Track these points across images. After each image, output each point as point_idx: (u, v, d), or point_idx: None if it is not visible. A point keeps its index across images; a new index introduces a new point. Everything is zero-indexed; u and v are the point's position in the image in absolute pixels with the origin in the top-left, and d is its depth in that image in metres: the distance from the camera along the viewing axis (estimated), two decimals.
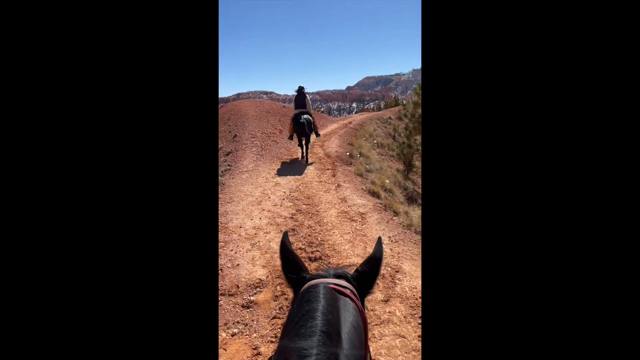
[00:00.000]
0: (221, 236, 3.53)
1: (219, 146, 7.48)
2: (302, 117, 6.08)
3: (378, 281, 2.70)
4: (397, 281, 2.64)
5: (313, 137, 7.15)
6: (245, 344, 2.14)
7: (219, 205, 4.34)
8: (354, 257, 2.97)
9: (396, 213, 4.24)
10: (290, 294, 2.61)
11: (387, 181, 5.84)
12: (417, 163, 10.02)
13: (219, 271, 2.91)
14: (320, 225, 3.71)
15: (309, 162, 6.21)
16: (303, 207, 4.20)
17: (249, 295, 2.59)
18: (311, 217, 3.91)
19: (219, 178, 5.46)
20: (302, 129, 6.05)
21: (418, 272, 2.74)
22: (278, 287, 2.65)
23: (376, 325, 2.18)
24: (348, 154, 7.02)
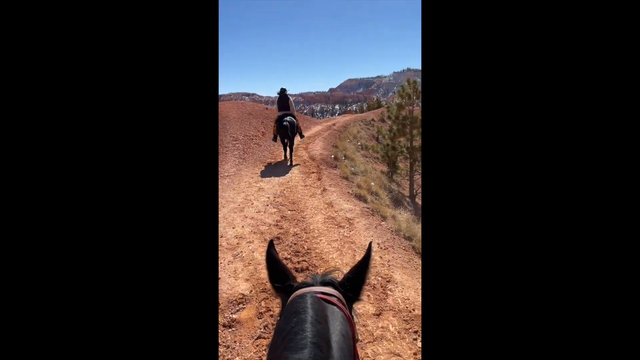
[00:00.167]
0: None
1: None
2: (285, 119, 5.97)
3: (369, 293, 2.58)
4: (388, 292, 2.51)
5: (297, 139, 7.04)
6: None
7: None
8: (343, 266, 2.83)
9: (384, 217, 4.14)
10: (276, 310, 2.44)
11: (373, 184, 5.76)
12: (401, 165, 10.06)
13: None
14: (306, 233, 3.54)
15: (293, 164, 6.13)
16: (288, 214, 4.02)
17: (231, 313, 2.39)
18: (297, 224, 3.74)
19: None
20: (286, 132, 5.94)
21: (410, 282, 2.63)
22: (262, 303, 2.46)
23: (369, 342, 2.04)
24: (333, 156, 6.90)
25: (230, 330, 2.24)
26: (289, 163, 6.18)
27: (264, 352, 2.03)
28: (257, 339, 2.14)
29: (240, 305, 2.47)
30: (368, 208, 4.31)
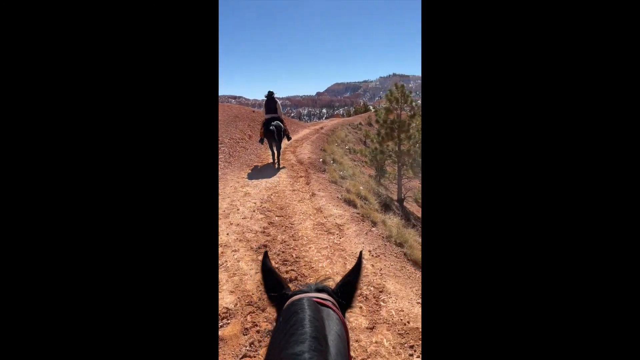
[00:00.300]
0: None
1: None
2: (272, 122, 5.88)
3: (361, 305, 2.46)
4: (381, 303, 2.40)
5: (285, 142, 6.93)
6: None
7: None
8: (333, 275, 2.70)
9: (374, 223, 4.05)
10: (263, 326, 2.28)
11: (362, 188, 5.67)
12: (389, 169, 10.05)
13: None
14: (295, 240, 3.40)
15: (280, 167, 6.06)
16: (276, 220, 3.87)
17: None
18: (285, 231, 3.60)
19: None
20: (273, 135, 5.83)
21: (403, 292, 2.53)
22: (248, 317, 2.30)
23: None
24: (321, 160, 6.79)
25: None
26: (276, 166, 6.07)
27: None
28: (242, 357, 1.98)
29: (225, 320, 2.30)
30: (358, 213, 4.21)
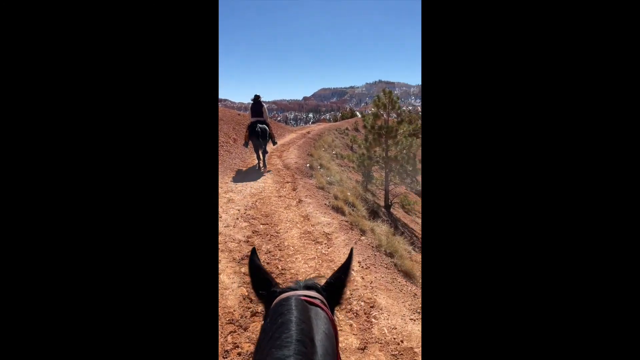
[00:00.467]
0: None
1: None
2: (258, 126, 5.73)
3: (352, 322, 2.30)
4: (373, 320, 2.25)
5: (271, 147, 6.76)
6: None
7: None
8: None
9: (363, 232, 3.91)
10: (245, 347, 2.09)
11: (349, 194, 5.55)
12: (375, 174, 10.01)
13: None
14: (280, 250, 3.22)
15: (266, 170, 5.95)
16: (260, 228, 3.68)
17: None
18: (270, 240, 3.41)
19: None
20: (257, 139, 5.66)
21: (395, 307, 2.39)
22: (229, 338, 2.10)
23: None
24: (308, 165, 6.64)
25: None
26: (262, 169, 5.93)
27: None
28: None
29: None
30: (346, 221, 4.07)
